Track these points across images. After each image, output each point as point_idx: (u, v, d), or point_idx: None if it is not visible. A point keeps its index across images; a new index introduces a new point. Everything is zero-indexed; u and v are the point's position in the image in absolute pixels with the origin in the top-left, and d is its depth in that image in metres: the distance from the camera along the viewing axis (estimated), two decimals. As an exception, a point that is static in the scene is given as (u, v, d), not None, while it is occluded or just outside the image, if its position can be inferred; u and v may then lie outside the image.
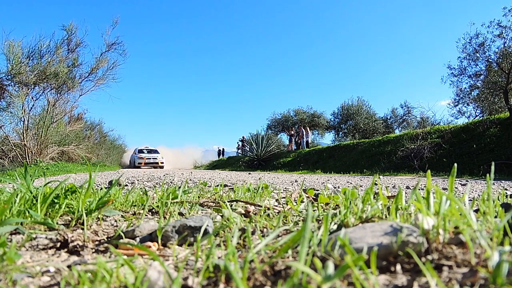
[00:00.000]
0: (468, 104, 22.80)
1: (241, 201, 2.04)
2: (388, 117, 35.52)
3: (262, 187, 2.56)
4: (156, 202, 1.97)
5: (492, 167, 1.11)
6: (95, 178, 1.59)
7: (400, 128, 33.79)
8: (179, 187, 2.45)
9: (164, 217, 1.67)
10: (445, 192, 1.01)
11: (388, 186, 6.50)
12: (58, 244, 1.17)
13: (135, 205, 1.96)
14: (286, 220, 1.54)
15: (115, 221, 1.61)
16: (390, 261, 0.81)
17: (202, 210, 2.00)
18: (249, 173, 16.26)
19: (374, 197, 1.43)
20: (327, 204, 2.09)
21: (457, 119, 23.64)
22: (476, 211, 1.52)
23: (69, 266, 0.94)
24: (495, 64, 18.85)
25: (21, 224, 1.33)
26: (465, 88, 21.70)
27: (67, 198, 1.56)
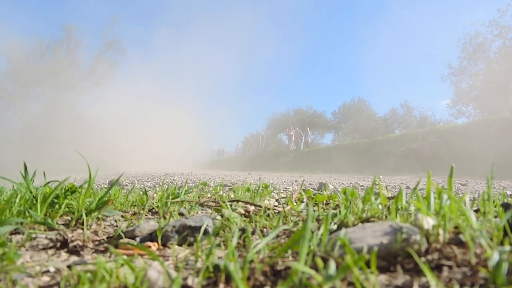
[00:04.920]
0: (467, 104, 22.83)
1: (241, 201, 2.04)
2: (388, 117, 35.55)
3: (262, 187, 2.56)
4: (156, 202, 1.97)
5: (493, 167, 1.11)
6: (95, 178, 1.59)
7: (400, 128, 33.81)
8: (179, 187, 2.45)
9: (164, 217, 1.67)
10: (445, 191, 1.01)
11: (389, 186, 6.50)
12: (58, 244, 1.17)
13: (135, 205, 1.96)
14: (286, 220, 1.53)
15: (115, 221, 1.61)
16: (390, 261, 0.81)
17: (202, 210, 2.00)
18: (249, 173, 16.26)
19: (374, 197, 1.43)
20: (327, 204, 2.09)
21: (456, 119, 23.69)
22: (477, 211, 1.52)
23: (69, 266, 0.94)
24: (494, 64, 18.87)
25: (21, 224, 1.33)
26: (465, 88, 21.73)
27: (67, 198, 1.56)
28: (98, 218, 1.57)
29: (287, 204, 1.98)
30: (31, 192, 1.53)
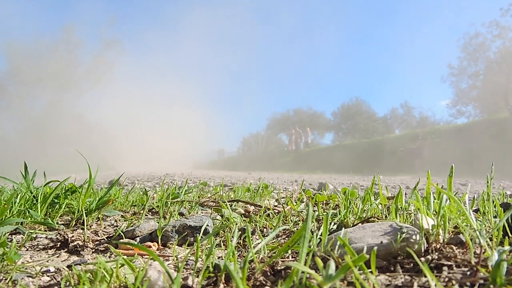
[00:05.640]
0: (467, 104, 22.82)
1: (241, 201, 2.04)
2: (388, 117, 35.54)
3: (262, 187, 2.56)
4: (156, 202, 1.97)
5: (492, 167, 1.11)
6: (95, 178, 1.60)
7: (400, 128, 33.80)
8: (179, 187, 2.45)
9: (164, 217, 1.67)
10: (445, 192, 1.01)
11: (388, 186, 6.50)
12: (58, 244, 1.17)
13: (135, 205, 1.96)
14: (286, 220, 1.54)
15: (115, 221, 1.61)
16: (390, 261, 0.81)
17: (202, 210, 2.00)
18: (249, 173, 16.26)
19: (374, 197, 1.43)
20: (327, 204, 2.09)
21: (456, 119, 23.70)
22: (476, 211, 1.52)
23: (69, 266, 0.95)
24: (494, 64, 18.85)
25: (21, 224, 1.33)
26: (465, 88, 21.73)
27: (67, 198, 1.56)
28: (98, 218, 1.57)
29: (287, 204, 1.98)
30: (31, 192, 1.53)
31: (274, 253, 0.92)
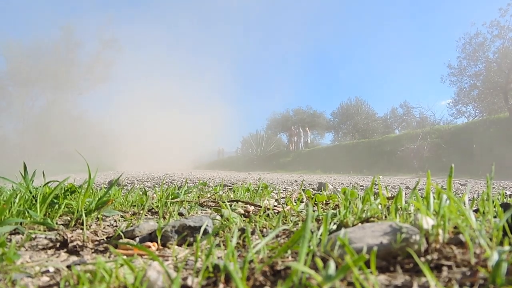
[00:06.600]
0: (467, 104, 22.80)
1: (241, 201, 2.04)
2: (388, 117, 35.49)
3: (261, 187, 2.56)
4: (155, 202, 1.97)
5: (492, 167, 1.11)
6: (94, 178, 1.59)
7: (399, 128, 33.75)
8: (179, 187, 2.45)
9: (164, 217, 1.67)
10: (444, 191, 1.01)
11: (388, 186, 6.50)
12: (58, 244, 1.17)
13: (135, 205, 1.96)
14: (285, 220, 1.53)
15: (115, 221, 1.61)
16: (390, 261, 0.81)
17: (201, 210, 2.00)
18: (249, 173, 16.26)
19: (374, 197, 1.43)
20: (326, 204, 2.09)
21: (456, 119, 23.68)
22: (476, 211, 1.52)
23: (68, 266, 0.94)
24: (494, 64, 18.83)
25: (21, 224, 1.33)
26: (465, 88, 21.70)
27: (66, 198, 1.56)
28: (97, 218, 1.56)
29: (286, 204, 1.98)
30: (30, 192, 1.53)
31: (274, 253, 0.92)
